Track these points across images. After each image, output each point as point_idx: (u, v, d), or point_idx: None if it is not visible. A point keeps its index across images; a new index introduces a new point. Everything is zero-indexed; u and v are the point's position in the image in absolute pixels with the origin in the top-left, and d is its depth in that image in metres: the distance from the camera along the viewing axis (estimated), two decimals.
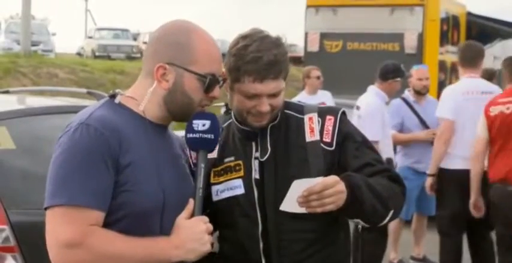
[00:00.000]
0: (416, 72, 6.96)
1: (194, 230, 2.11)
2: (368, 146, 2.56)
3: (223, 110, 2.69)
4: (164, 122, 2.25)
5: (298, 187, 2.22)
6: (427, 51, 13.59)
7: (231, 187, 2.50)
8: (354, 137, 2.53)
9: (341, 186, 2.24)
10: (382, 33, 13.64)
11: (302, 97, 8.46)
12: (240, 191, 2.49)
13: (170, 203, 2.14)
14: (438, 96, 14.10)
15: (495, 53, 17.75)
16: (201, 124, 2.22)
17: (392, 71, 6.41)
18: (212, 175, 2.52)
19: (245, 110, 2.45)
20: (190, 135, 2.23)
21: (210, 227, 2.16)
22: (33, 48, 22.50)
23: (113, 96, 2.20)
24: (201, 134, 2.21)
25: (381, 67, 6.52)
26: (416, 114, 6.88)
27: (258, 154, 2.50)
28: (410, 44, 13.58)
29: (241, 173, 2.50)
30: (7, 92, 5.49)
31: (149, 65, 2.19)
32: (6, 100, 4.79)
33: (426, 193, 6.32)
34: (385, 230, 6.26)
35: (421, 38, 13.51)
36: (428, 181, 6.11)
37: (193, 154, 2.54)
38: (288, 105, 2.58)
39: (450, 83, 14.65)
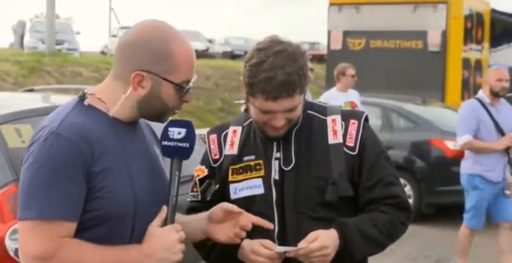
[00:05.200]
0: (495, 72, 6.31)
1: (166, 239, 2.10)
2: (385, 156, 2.56)
3: (243, 107, 2.67)
4: (135, 120, 2.21)
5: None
6: (451, 49, 13.52)
7: (251, 186, 2.49)
8: (374, 146, 2.53)
9: (327, 250, 2.35)
10: (405, 30, 13.60)
11: (333, 93, 8.41)
12: (260, 190, 2.48)
13: (142, 206, 2.12)
14: (462, 94, 14.05)
15: None
16: (176, 132, 2.19)
17: None
18: (230, 172, 2.53)
19: (261, 122, 2.44)
20: (166, 143, 2.19)
21: (183, 235, 2.14)
22: (58, 47, 22.64)
23: (83, 97, 2.15)
24: (176, 143, 2.18)
25: None
26: (492, 119, 6.27)
27: (278, 155, 2.49)
28: (433, 41, 13.51)
29: (262, 173, 2.49)
30: (31, 90, 5.56)
31: (123, 70, 2.14)
32: (30, 98, 4.86)
33: (502, 199, 6.17)
34: None
35: (444, 35, 13.45)
36: None
37: (214, 152, 2.56)
38: (310, 106, 2.57)
39: (474, 81, 14.58)
